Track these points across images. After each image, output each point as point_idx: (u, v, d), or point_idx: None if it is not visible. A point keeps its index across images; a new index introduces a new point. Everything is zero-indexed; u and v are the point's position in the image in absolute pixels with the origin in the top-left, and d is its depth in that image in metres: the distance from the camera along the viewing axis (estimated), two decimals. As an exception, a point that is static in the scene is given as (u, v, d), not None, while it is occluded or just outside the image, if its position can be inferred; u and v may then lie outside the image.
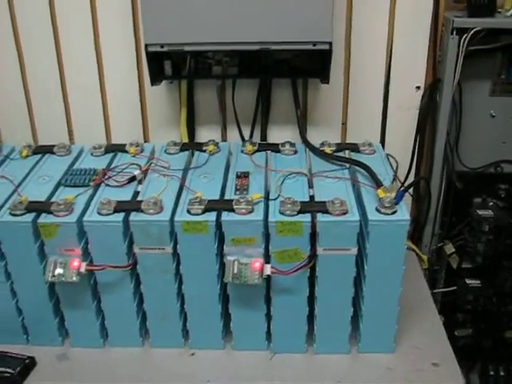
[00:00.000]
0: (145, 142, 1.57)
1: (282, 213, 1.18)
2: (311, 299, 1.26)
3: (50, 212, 1.21)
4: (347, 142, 1.55)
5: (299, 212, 1.18)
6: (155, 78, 1.42)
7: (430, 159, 1.57)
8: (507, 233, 1.64)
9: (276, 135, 1.55)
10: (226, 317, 1.31)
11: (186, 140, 1.53)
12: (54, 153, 1.46)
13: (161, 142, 1.48)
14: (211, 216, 1.18)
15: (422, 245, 1.65)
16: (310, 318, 1.29)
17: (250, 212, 1.18)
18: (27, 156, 1.46)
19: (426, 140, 1.57)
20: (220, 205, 1.21)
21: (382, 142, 1.58)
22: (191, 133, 1.55)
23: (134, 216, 1.19)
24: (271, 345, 1.32)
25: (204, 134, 1.57)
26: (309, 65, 1.41)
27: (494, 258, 1.67)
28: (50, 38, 1.52)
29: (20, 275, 1.28)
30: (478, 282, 1.71)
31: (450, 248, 1.69)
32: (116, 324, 1.33)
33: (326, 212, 1.17)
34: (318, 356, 1.31)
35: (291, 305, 1.26)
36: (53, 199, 1.26)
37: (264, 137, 1.55)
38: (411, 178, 1.58)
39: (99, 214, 1.20)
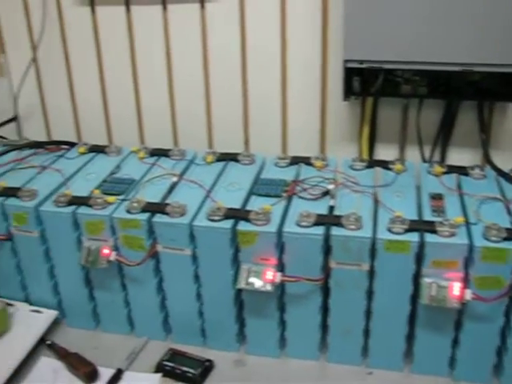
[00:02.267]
0: (322, 155, 1.57)
1: (487, 238, 1.15)
2: (504, 330, 1.23)
3: (247, 220, 1.24)
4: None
5: (504, 239, 1.15)
6: (347, 94, 1.42)
7: None
8: None
9: (455, 157, 1.53)
10: (409, 339, 1.29)
11: (365, 156, 1.53)
12: (237, 161, 1.49)
13: (338, 156, 1.50)
14: (414, 236, 1.18)
15: None
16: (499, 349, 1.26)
17: (454, 235, 1.17)
18: (211, 162, 1.50)
19: None
20: (422, 226, 1.20)
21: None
22: (371, 150, 1.55)
23: (334, 230, 1.20)
24: (453, 372, 1.29)
25: (382, 152, 1.56)
26: (503, 88, 1.38)
27: None
28: (237, 49, 1.57)
29: (210, 280, 1.31)
30: None
31: None
32: (296, 335, 1.34)
33: (532, 241, 1.15)
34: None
35: (483, 333, 1.23)
36: (247, 207, 1.29)
37: (443, 158, 1.53)
38: None
39: (298, 225, 1.22)
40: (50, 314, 1.46)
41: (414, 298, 1.22)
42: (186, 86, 1.66)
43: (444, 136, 1.51)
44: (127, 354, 1.38)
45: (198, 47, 1.60)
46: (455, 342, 1.26)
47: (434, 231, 1.17)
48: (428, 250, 1.17)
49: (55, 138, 1.84)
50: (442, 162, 1.52)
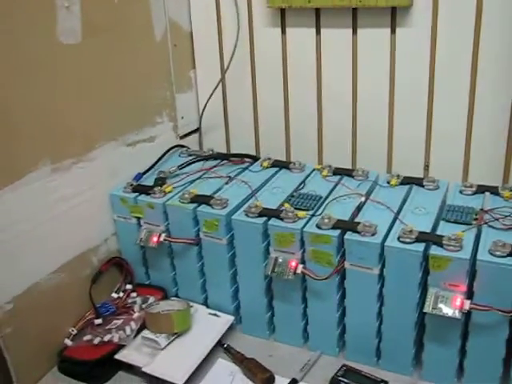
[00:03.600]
0: (505, 184, 1.55)
1: None
2: None
3: (439, 244, 1.24)
4: None
5: None
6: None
7: None
8: None
9: None
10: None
11: None
12: (422, 185, 1.51)
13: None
14: None
15: None
16: None
17: None
18: (396, 185, 1.52)
19: None
20: None
21: None
22: None
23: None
24: None
25: None
26: None
27: None
28: (423, 74, 1.59)
29: (394, 301, 1.32)
30: None
31: None
32: (475, 365, 1.30)
33: None
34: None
35: None
36: (438, 232, 1.30)
37: None
38: None
39: (492, 254, 1.21)
40: (227, 319, 1.54)
41: None
42: (370, 109, 1.69)
43: None
44: (300, 366, 1.42)
45: (385, 69, 1.63)
46: None
47: None
48: None
49: (234, 150, 1.93)
50: None
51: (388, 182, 1.53)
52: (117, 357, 1.43)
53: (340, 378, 1.36)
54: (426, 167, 1.66)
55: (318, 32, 1.68)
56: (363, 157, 1.75)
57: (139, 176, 1.66)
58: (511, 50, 1.47)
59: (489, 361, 1.30)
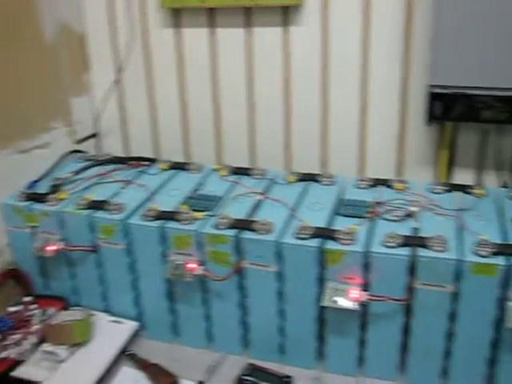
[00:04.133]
0: (399, 178, 1.59)
1: None
2: None
3: (334, 239, 1.27)
4: None
5: None
6: (430, 119, 1.45)
7: None
8: None
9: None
10: (492, 363, 1.30)
11: (443, 180, 1.55)
12: (317, 181, 1.53)
13: (414, 179, 1.53)
14: (500, 260, 1.19)
15: None
16: None
17: (543, 260, 1.18)
18: (293, 182, 1.53)
19: None
20: (508, 249, 1.21)
21: None
22: (449, 173, 1.57)
23: (420, 252, 1.22)
24: None
25: (459, 176, 1.58)
26: None
27: None
28: (317, 71, 1.61)
29: (293, 297, 1.33)
30: None
31: None
32: (375, 355, 1.35)
33: None
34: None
35: None
36: (333, 227, 1.32)
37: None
38: None
39: (385, 246, 1.24)
40: (130, 325, 1.51)
41: (499, 321, 1.23)
42: (267, 107, 1.70)
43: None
44: (206, 368, 1.41)
45: (280, 69, 1.64)
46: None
47: (524, 255, 1.19)
48: (524, 273, 1.18)
49: (133, 154, 1.90)
50: (520, 187, 1.53)
51: (285, 180, 1.54)
52: (14, 374, 1.38)
53: (245, 377, 1.36)
54: (324, 163, 1.68)
55: (213, 32, 1.68)
56: (263, 156, 1.75)
57: (33, 184, 1.60)
58: (399, 47, 1.52)
59: (387, 349, 1.33)
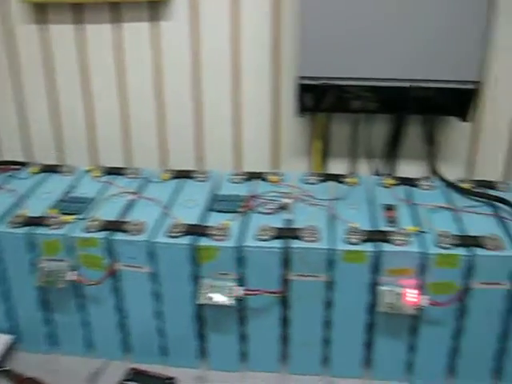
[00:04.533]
0: (275, 170, 1.59)
1: (439, 246, 1.20)
2: (457, 332, 1.28)
3: (207, 235, 1.25)
4: (476, 178, 1.57)
5: (455, 245, 1.21)
6: (301, 110, 1.46)
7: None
8: None
9: (405, 170, 1.58)
10: (368, 346, 1.33)
11: (317, 170, 1.57)
12: (192, 178, 1.51)
13: (291, 170, 1.54)
14: (370, 246, 1.21)
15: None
16: (454, 350, 1.30)
17: (408, 244, 1.21)
18: (167, 180, 1.50)
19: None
20: (377, 236, 1.24)
21: (508, 179, 1.60)
22: (323, 164, 1.59)
23: (293, 243, 1.23)
24: (411, 376, 1.33)
25: (334, 166, 1.60)
26: (450, 103, 1.44)
27: None
28: (188, 67, 1.58)
29: (170, 297, 1.31)
30: None
31: None
32: (257, 348, 1.35)
33: (481, 246, 1.20)
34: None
35: (437, 337, 1.28)
36: (206, 223, 1.30)
37: (393, 171, 1.58)
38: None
39: (258, 239, 1.24)
40: (4, 339, 1.43)
41: (372, 306, 1.26)
42: (140, 103, 1.66)
43: (393, 149, 1.56)
44: (87, 376, 1.36)
45: (150, 65, 1.60)
46: (412, 347, 1.30)
47: (388, 241, 1.22)
48: (384, 258, 1.21)
49: (3, 158, 1.80)
50: (391, 174, 1.57)
51: (160, 178, 1.51)
52: None
53: (127, 382, 1.33)
54: (200, 159, 1.66)
55: (81, 28, 1.61)
56: (138, 154, 1.71)
57: None
58: (269, 39, 1.51)
59: (268, 342, 1.34)
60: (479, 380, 1.32)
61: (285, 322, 1.31)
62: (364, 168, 1.59)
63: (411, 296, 1.21)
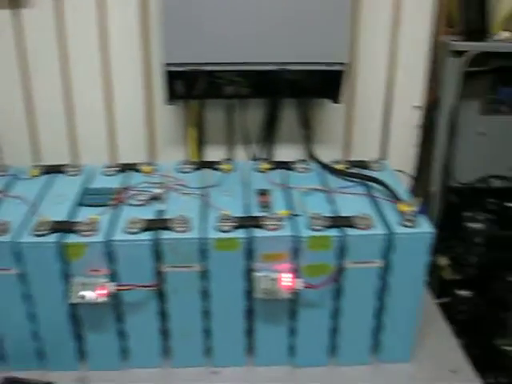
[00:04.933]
0: (152, 160, 1.56)
1: (311, 228, 1.20)
2: (335, 312, 1.29)
3: (74, 232, 1.20)
4: (352, 159, 1.59)
5: (327, 227, 1.21)
6: (171, 98, 1.42)
7: (429, 175, 1.63)
8: (497, 244, 1.72)
9: (283, 154, 1.57)
10: (250, 333, 1.32)
11: (194, 158, 1.54)
12: (63, 172, 1.44)
13: (168, 160, 1.51)
14: (241, 233, 1.20)
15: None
16: (334, 330, 1.31)
17: (280, 228, 1.21)
18: (36, 176, 1.43)
19: (424, 156, 1.63)
20: (249, 222, 1.22)
21: (383, 158, 1.63)
22: (199, 152, 1.56)
23: (163, 234, 1.20)
24: (294, 359, 1.33)
25: (212, 153, 1.58)
26: (321, 85, 1.45)
27: (486, 269, 1.75)
28: (56, 57, 1.51)
29: (42, 298, 1.25)
30: (470, 293, 1.78)
31: (443, 260, 1.76)
32: (137, 344, 1.31)
33: (353, 226, 1.21)
34: (340, 368, 1.34)
35: (316, 318, 1.28)
36: (75, 219, 1.25)
37: (271, 156, 1.57)
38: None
39: (127, 233, 1.20)
40: None
41: (249, 293, 1.25)
42: (7, 96, 1.57)
43: (269, 134, 1.56)
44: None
45: (14, 55, 1.51)
46: (292, 331, 1.30)
47: (261, 226, 1.21)
48: (256, 244, 1.20)
49: None
50: (269, 159, 1.56)
51: (29, 174, 1.44)
52: None
53: (1, 393, 1.26)
54: (75, 154, 1.60)
55: None
56: (8, 150, 1.62)
57: None
58: (138, 26, 1.47)
59: (148, 337, 1.31)
60: (359, 357, 1.34)
61: (163, 315, 1.28)
62: (241, 154, 1.58)
63: (286, 280, 1.21)
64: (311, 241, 1.19)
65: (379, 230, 1.21)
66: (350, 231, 1.20)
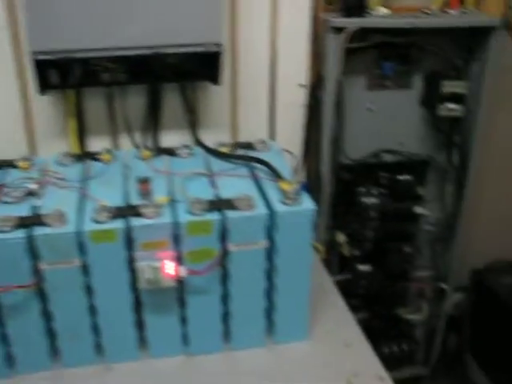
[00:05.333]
0: (32, 155, 1.49)
1: (190, 213, 1.18)
2: (225, 297, 1.27)
3: None
4: (240, 141, 1.57)
5: (208, 211, 1.19)
6: (43, 88, 1.36)
7: (318, 153, 1.63)
8: (391, 217, 1.75)
9: (169, 140, 1.54)
10: (140, 325, 1.28)
11: (76, 151, 1.48)
12: None
13: (50, 154, 1.44)
14: (119, 223, 1.16)
15: (317, 236, 1.71)
16: (225, 315, 1.30)
17: (159, 215, 1.18)
18: None
19: (312, 135, 1.63)
20: (127, 211, 1.19)
21: (272, 139, 1.62)
22: (81, 143, 1.50)
23: (38, 230, 1.14)
24: (188, 348, 1.31)
25: (95, 144, 1.52)
26: (198, 67, 1.42)
27: (382, 243, 1.77)
28: None
29: None
30: (369, 267, 1.80)
31: (341, 237, 1.77)
32: (23, 349, 1.25)
33: (234, 208, 1.20)
34: (236, 353, 1.32)
35: (206, 305, 1.26)
36: None
37: (156, 143, 1.53)
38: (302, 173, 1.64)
39: (-1, 231, 1.14)
40: None
41: (134, 284, 1.21)
42: None
43: (153, 121, 1.52)
44: None
45: None
46: (184, 319, 1.28)
47: (139, 214, 1.17)
48: (135, 233, 1.16)
49: None
50: (154, 146, 1.52)
51: None
52: None
53: None
54: None
55: None
56: None
57: None
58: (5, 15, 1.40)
59: (33, 340, 1.25)
60: (254, 340, 1.33)
61: (46, 315, 1.23)
62: (126, 143, 1.53)
63: (169, 268, 1.18)
64: (191, 226, 1.17)
65: (260, 210, 1.20)
66: (231, 213, 1.19)
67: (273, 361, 1.32)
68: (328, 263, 1.76)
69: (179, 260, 1.19)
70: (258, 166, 1.35)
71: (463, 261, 1.93)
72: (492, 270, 2.00)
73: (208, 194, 1.24)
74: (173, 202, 1.22)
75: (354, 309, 1.79)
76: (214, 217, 1.18)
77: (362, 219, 1.74)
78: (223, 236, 1.19)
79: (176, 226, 1.17)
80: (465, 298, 2.06)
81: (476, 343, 2.05)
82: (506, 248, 2.04)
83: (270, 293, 1.29)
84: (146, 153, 1.41)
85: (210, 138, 1.50)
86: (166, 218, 1.17)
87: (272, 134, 1.61)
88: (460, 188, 1.79)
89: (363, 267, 1.80)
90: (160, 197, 1.23)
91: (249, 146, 1.46)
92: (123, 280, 1.21)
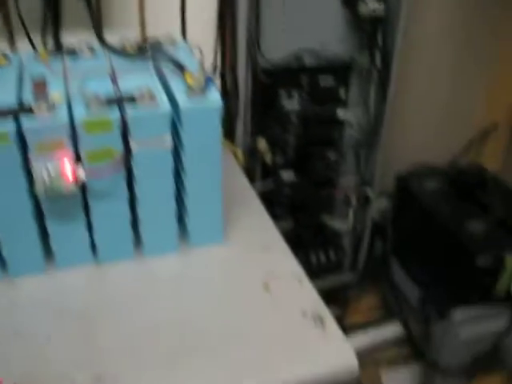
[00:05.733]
0: None
1: (88, 110, 1.10)
2: (132, 201, 1.21)
3: None
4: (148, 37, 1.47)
5: (107, 107, 1.11)
6: None
7: (234, 53, 1.55)
8: (314, 122, 1.70)
9: (69, 40, 1.43)
10: (44, 236, 1.21)
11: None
12: None
13: None
14: (10, 125, 1.07)
15: (236, 143, 1.66)
16: (134, 221, 1.24)
17: (54, 115, 1.09)
18: None
19: (227, 33, 1.55)
20: (18, 111, 1.09)
21: (183, 36, 1.53)
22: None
23: None
24: (97, 256, 1.25)
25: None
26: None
27: (305, 149, 1.73)
28: None
29: None
30: (293, 174, 1.76)
31: (262, 143, 1.71)
32: None
33: (135, 103, 1.12)
34: (149, 259, 1.27)
35: (112, 210, 1.20)
36: None
37: (58, 44, 1.43)
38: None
39: None
40: None
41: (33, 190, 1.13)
42: None
43: (53, 20, 1.40)
44: None
45: None
46: (90, 226, 1.21)
47: (31, 113, 1.08)
48: (28, 135, 1.07)
49: None
50: (54, 47, 1.42)
51: None
52: None
53: None
54: None
55: None
56: None
57: None
58: None
59: None
60: (167, 245, 1.28)
61: None
62: (25, 46, 1.42)
63: (68, 171, 1.10)
64: (88, 124, 1.09)
65: (163, 104, 1.13)
66: (132, 109, 1.11)
67: (186, 265, 1.27)
68: (250, 172, 1.72)
69: (78, 162, 1.11)
70: (164, 62, 1.27)
71: (387, 166, 1.92)
72: (415, 175, 1.99)
73: (108, 92, 1.16)
74: (69, 100, 1.13)
75: (278, 218, 1.78)
76: (113, 113, 1.10)
77: (283, 124, 1.68)
78: (124, 134, 1.12)
79: (72, 124, 1.09)
80: (389, 203, 2.06)
81: (398, 246, 2.06)
82: (429, 153, 2.04)
83: (180, 195, 1.24)
84: (43, 54, 1.30)
85: (115, 36, 1.39)
86: (60, 116, 1.09)
87: (183, 30, 1.52)
88: (383, 90, 1.75)
89: (287, 174, 1.76)
90: (57, 97, 1.14)
91: (156, 41, 1.36)
92: (21, 187, 1.12)
